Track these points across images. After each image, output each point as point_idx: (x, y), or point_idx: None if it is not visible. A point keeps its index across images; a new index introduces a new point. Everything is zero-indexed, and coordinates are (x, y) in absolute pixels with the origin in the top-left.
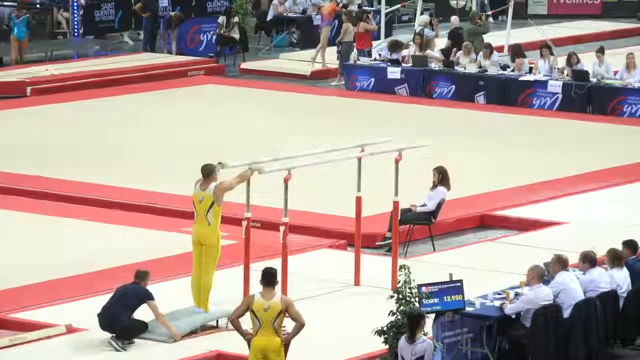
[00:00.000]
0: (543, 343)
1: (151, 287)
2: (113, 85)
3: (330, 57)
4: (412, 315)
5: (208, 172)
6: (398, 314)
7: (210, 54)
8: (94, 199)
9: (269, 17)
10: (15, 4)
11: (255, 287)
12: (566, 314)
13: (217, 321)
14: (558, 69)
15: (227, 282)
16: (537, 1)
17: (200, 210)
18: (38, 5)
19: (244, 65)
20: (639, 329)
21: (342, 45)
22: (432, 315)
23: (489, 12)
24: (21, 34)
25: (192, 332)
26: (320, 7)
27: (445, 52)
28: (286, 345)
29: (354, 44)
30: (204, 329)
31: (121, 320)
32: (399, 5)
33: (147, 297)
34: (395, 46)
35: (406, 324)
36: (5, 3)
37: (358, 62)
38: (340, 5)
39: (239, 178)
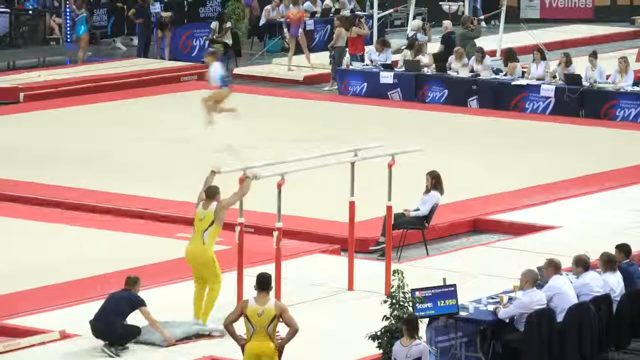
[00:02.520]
0: (537, 347)
1: (145, 293)
2: (106, 91)
3: (317, 61)
4: (411, 317)
5: (213, 193)
6: (392, 318)
7: (203, 60)
8: (86, 205)
9: (261, 23)
10: (8, 10)
11: (249, 292)
12: (560, 318)
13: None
14: (550, 72)
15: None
16: (529, 5)
17: (198, 228)
18: (30, 12)
19: (236, 71)
20: (633, 332)
21: (334, 50)
22: (426, 320)
23: (482, 17)
24: (79, 31)
25: (186, 339)
26: (289, 14)
27: (438, 56)
28: (280, 350)
29: (347, 49)
30: (198, 336)
31: (115, 328)
32: (391, 10)
33: (140, 303)
34: (382, 45)
35: (405, 327)
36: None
37: (351, 66)
38: (333, 10)
39: (239, 193)
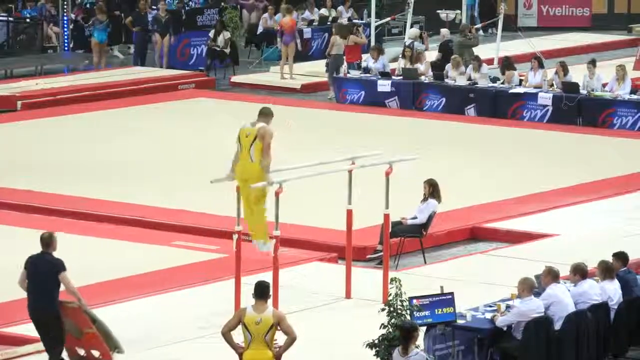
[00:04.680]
0: (534, 355)
1: (142, 301)
2: (103, 99)
3: (314, 69)
4: (404, 328)
5: (268, 112)
6: (389, 326)
7: (201, 68)
8: (83, 213)
9: (258, 31)
10: (6, 18)
11: (246, 300)
12: (557, 326)
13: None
14: (547, 80)
15: (218, 295)
16: (526, 13)
17: (245, 144)
18: (28, 20)
19: (234, 79)
20: (630, 341)
21: (330, 57)
22: (424, 328)
23: (479, 25)
24: (103, 37)
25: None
26: (281, 23)
27: (436, 64)
28: (278, 359)
29: (344, 57)
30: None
31: (52, 296)
32: (389, 18)
33: (60, 267)
34: (377, 52)
35: (399, 336)
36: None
37: (348, 75)
38: (330, 18)
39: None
